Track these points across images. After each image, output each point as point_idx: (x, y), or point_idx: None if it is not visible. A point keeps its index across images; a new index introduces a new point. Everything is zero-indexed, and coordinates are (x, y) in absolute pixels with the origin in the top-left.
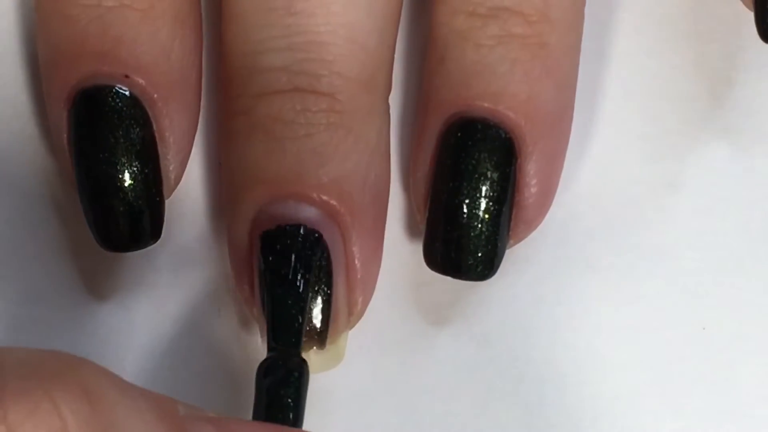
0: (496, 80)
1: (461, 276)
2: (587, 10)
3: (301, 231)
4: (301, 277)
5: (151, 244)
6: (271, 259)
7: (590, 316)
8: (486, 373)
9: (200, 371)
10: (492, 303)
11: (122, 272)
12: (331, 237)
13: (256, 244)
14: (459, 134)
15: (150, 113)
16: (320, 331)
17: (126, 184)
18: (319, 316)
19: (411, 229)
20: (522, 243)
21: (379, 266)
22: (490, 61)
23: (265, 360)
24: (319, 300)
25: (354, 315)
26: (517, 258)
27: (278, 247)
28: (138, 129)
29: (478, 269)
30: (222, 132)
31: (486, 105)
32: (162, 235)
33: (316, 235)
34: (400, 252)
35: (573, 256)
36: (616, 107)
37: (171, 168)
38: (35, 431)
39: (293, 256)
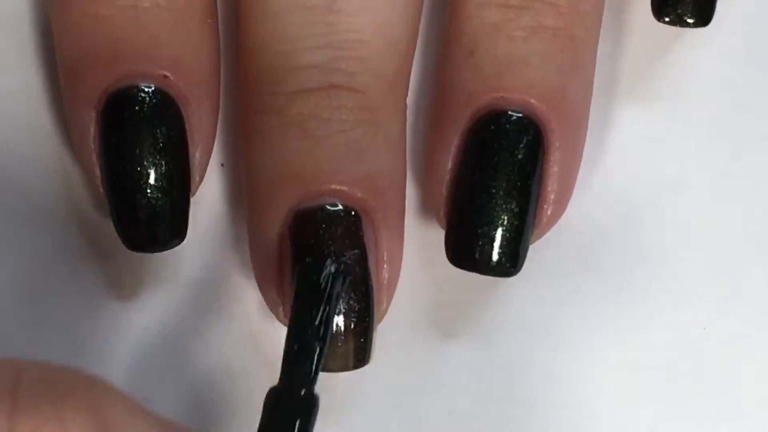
0: (528, 72)
1: (487, 272)
2: None
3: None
4: (325, 315)
5: (175, 245)
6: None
7: (590, 316)
8: (486, 373)
9: (200, 371)
10: (492, 303)
11: (122, 273)
12: (365, 234)
13: (287, 243)
14: (492, 127)
15: (183, 113)
16: (355, 330)
17: (159, 185)
18: (358, 312)
19: (411, 230)
20: None
21: (401, 265)
22: (522, 52)
23: (274, 388)
24: (358, 296)
25: (380, 313)
26: None
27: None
28: (173, 129)
29: (506, 265)
30: (246, 132)
31: (519, 96)
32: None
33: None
34: None
35: (573, 256)
36: (616, 107)
37: (197, 167)
38: None
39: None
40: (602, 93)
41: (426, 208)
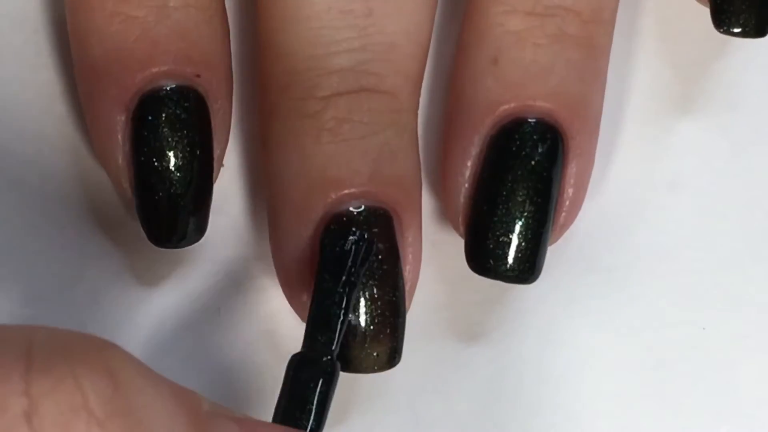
0: (553, 80)
1: (508, 279)
2: None
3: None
4: (348, 279)
5: (197, 241)
6: (331, 251)
7: (590, 316)
8: (486, 373)
9: (199, 370)
10: (493, 303)
11: (122, 272)
12: (398, 237)
13: (320, 246)
14: (516, 134)
15: (210, 111)
16: (387, 329)
17: (188, 183)
18: (392, 311)
19: None
20: None
21: (420, 266)
22: (547, 60)
23: (297, 354)
24: (391, 296)
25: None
26: None
27: (340, 243)
28: (203, 128)
29: (527, 273)
30: (272, 136)
31: (544, 105)
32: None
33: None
34: None
35: (573, 256)
36: (617, 107)
37: (216, 164)
38: (56, 406)
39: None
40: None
41: (425, 208)
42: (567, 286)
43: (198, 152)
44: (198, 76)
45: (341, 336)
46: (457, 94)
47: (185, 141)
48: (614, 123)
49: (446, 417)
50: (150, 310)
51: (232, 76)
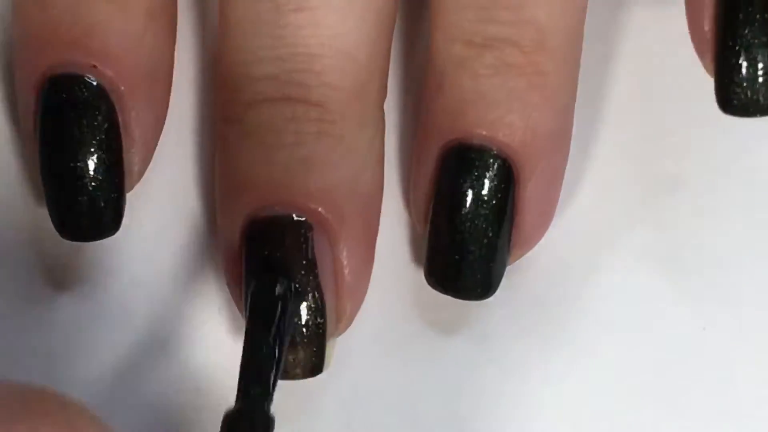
0: (493, 110)
1: (461, 297)
2: (588, 10)
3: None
4: (278, 331)
5: (108, 236)
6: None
7: (590, 316)
8: (486, 373)
9: (198, 370)
10: (491, 303)
11: (122, 271)
12: (319, 245)
13: (245, 296)
14: (456, 160)
15: (116, 105)
16: (308, 337)
17: (87, 174)
18: (308, 323)
19: (411, 231)
20: None
21: (369, 273)
22: (486, 90)
23: (232, 410)
24: (308, 307)
25: (342, 322)
26: None
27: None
28: (103, 120)
29: (478, 291)
30: (214, 139)
31: (483, 133)
32: (159, 233)
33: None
34: (399, 253)
35: (573, 256)
36: (617, 107)
37: (134, 161)
38: None
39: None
40: (602, 93)
41: None
42: (566, 286)
43: (95, 144)
44: (94, 66)
45: (274, 389)
46: (419, 112)
47: (77, 130)
48: (614, 123)
49: (446, 417)
50: (150, 309)
51: (161, 77)
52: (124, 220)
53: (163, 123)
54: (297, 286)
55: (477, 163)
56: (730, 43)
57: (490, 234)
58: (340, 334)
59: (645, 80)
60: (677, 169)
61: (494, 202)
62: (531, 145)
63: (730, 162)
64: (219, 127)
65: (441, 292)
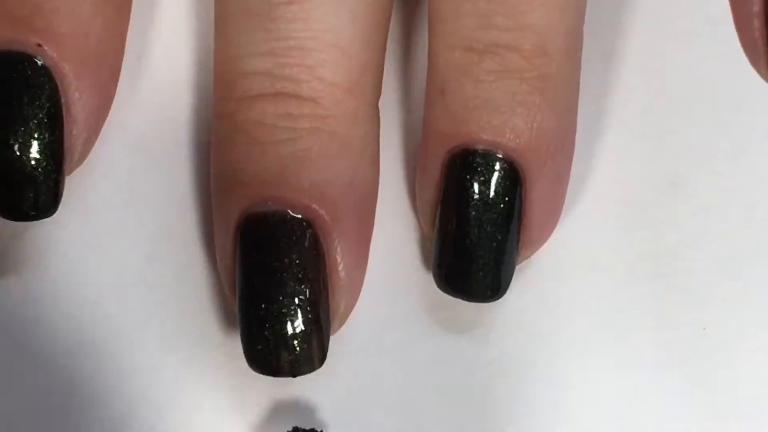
0: (496, 114)
1: (471, 299)
2: (588, 10)
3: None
4: None
5: (45, 217)
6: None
7: (590, 316)
8: (486, 373)
9: (198, 369)
10: (492, 303)
11: (123, 269)
12: (313, 242)
13: (238, 246)
14: (462, 166)
15: (60, 86)
16: (302, 334)
17: (26, 153)
18: (301, 320)
19: (411, 229)
20: None
21: (364, 271)
22: (489, 95)
23: None
24: (301, 304)
25: (336, 320)
26: None
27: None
28: (45, 99)
29: (487, 293)
30: (210, 135)
31: (487, 137)
32: (156, 233)
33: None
34: (400, 252)
35: (573, 256)
36: (617, 107)
37: (77, 144)
38: None
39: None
40: (602, 93)
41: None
42: (567, 286)
43: (36, 123)
44: (39, 45)
45: None
46: (424, 114)
47: (16, 107)
48: (614, 123)
49: (446, 417)
50: (150, 308)
51: (109, 60)
52: (121, 220)
53: (109, 108)
54: (291, 283)
55: (482, 169)
56: None
57: (499, 237)
58: (334, 332)
59: (645, 80)
60: (677, 169)
61: (501, 206)
62: (536, 147)
63: (730, 162)
64: (214, 123)
65: (451, 295)
